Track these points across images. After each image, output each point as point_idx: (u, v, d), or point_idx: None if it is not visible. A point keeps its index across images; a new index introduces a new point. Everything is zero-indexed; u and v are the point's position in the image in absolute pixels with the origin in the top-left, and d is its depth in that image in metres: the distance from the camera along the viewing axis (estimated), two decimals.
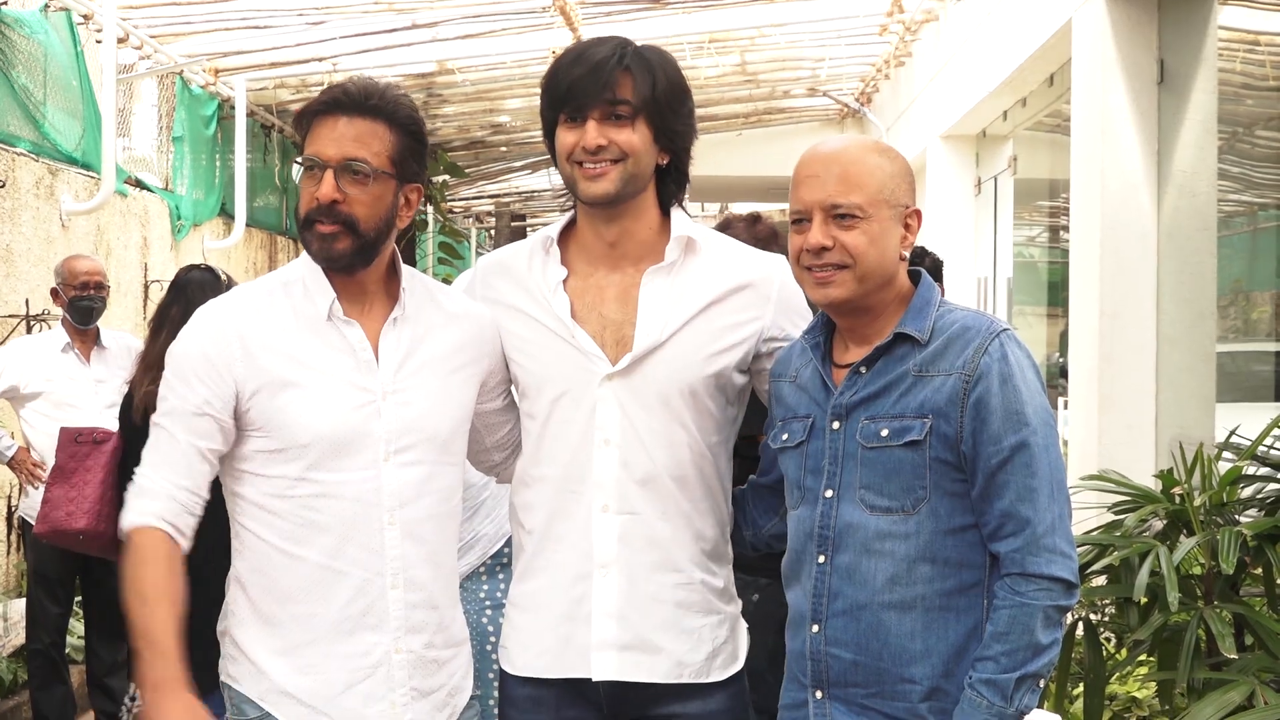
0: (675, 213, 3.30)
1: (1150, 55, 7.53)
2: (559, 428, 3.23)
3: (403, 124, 3.11)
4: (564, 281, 3.25)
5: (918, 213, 3.09)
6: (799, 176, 3.06)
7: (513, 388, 3.38)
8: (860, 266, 2.99)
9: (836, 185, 3.00)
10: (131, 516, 3.06)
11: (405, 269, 3.22)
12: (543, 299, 3.25)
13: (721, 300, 3.24)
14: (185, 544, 3.08)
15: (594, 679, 3.19)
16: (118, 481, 5.62)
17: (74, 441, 5.78)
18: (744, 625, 3.37)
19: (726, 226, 4.54)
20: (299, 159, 3.10)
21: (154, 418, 3.11)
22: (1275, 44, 7.82)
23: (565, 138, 3.19)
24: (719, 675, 3.26)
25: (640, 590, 3.19)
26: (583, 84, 3.14)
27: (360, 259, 3.09)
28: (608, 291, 3.25)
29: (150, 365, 5.63)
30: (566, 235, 3.33)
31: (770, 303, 3.25)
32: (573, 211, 3.34)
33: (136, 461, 5.59)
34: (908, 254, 3.07)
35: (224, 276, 5.82)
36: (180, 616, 3.06)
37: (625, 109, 3.14)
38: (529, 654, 3.27)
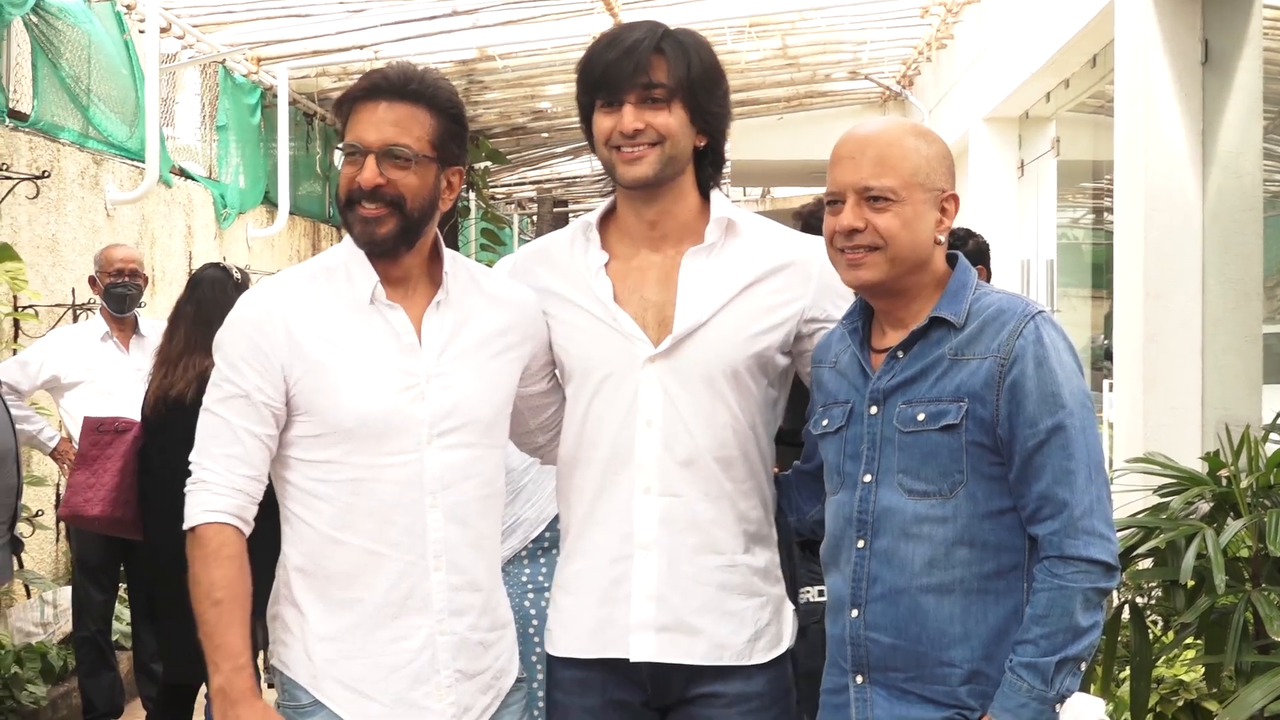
0: (714, 195, 3.31)
1: (1194, 35, 7.47)
2: (602, 411, 3.24)
3: (442, 108, 3.12)
4: (605, 266, 3.26)
5: (954, 197, 3.09)
6: (835, 157, 3.07)
7: (555, 371, 3.38)
8: (892, 249, 3.00)
9: (871, 168, 3.00)
10: (197, 512, 3.07)
11: (448, 252, 3.23)
12: (584, 284, 3.27)
13: (762, 280, 3.26)
14: (248, 531, 3.11)
15: (632, 659, 3.21)
16: (137, 469, 5.77)
17: (96, 430, 6.00)
18: (789, 606, 3.37)
19: (821, 207, 4.57)
20: (340, 145, 3.11)
21: (206, 404, 3.12)
22: None
23: (602, 123, 3.20)
24: (761, 658, 3.27)
25: (681, 572, 3.21)
26: (617, 68, 3.16)
27: (404, 240, 3.10)
28: (649, 274, 3.26)
29: (164, 360, 5.75)
30: (607, 220, 3.34)
31: (811, 282, 3.25)
32: (612, 197, 3.35)
33: (152, 453, 5.68)
34: (944, 238, 3.08)
35: (237, 273, 5.97)
36: (249, 617, 3.09)
37: (660, 92, 3.16)
38: (570, 635, 3.30)
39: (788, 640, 3.33)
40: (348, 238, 3.17)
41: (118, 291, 7.25)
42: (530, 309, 3.30)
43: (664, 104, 3.17)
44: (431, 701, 3.10)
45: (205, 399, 3.13)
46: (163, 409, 5.80)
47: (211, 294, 5.91)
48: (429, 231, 3.16)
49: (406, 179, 3.06)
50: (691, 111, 3.20)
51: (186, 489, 3.10)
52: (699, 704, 3.24)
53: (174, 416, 5.73)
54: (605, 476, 3.25)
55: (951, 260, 3.11)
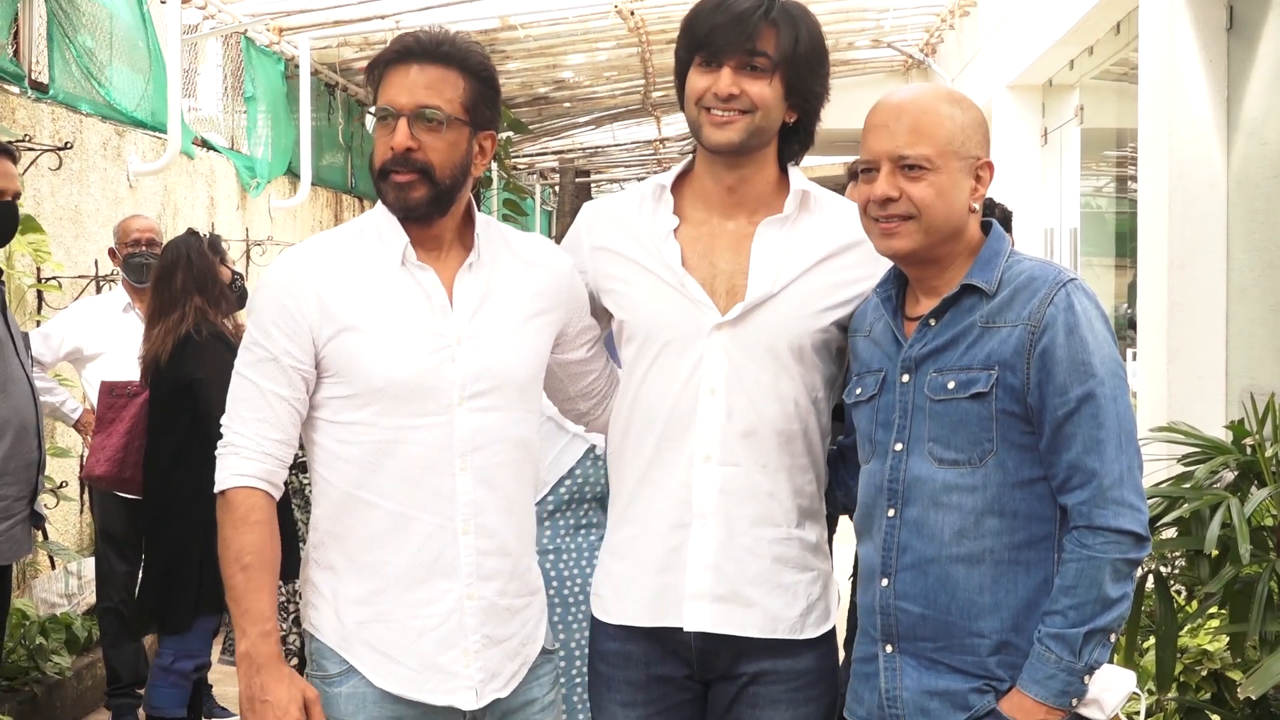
0: (791, 169, 3.30)
1: (1219, 1, 7.44)
2: (663, 375, 3.23)
3: (474, 70, 3.11)
4: (675, 230, 3.25)
5: (989, 164, 3.07)
6: (869, 125, 3.05)
7: (613, 331, 3.38)
8: (926, 218, 2.98)
9: (905, 136, 2.99)
10: (226, 477, 3.08)
11: (480, 215, 3.23)
12: (652, 246, 3.25)
13: (835, 256, 3.25)
14: (278, 496, 3.12)
15: (686, 629, 3.20)
16: (145, 432, 5.90)
17: (110, 394, 6.21)
18: (835, 584, 3.37)
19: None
20: (372, 109, 3.11)
21: (238, 368, 3.13)
22: None
23: (697, 81, 3.18)
24: (812, 632, 3.27)
25: (738, 543, 3.20)
26: (724, 31, 3.13)
27: (437, 207, 3.09)
28: (720, 240, 3.25)
29: (146, 330, 5.88)
30: (680, 183, 3.32)
31: (880, 262, 3.21)
32: (690, 158, 3.33)
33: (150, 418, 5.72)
34: (979, 206, 3.06)
35: (205, 235, 6.12)
36: (275, 583, 3.11)
37: (763, 61, 3.14)
38: (624, 602, 3.29)
39: (834, 616, 3.33)
40: (380, 202, 3.17)
41: (136, 261, 7.26)
42: (564, 274, 3.29)
43: (764, 74, 3.14)
44: (459, 667, 3.10)
45: (237, 362, 3.14)
46: (149, 374, 5.89)
47: (172, 256, 5.99)
48: (462, 196, 3.16)
49: (437, 142, 3.05)
50: (789, 86, 3.18)
51: (217, 452, 3.10)
52: (747, 681, 3.25)
53: (156, 379, 5.82)
54: (662, 442, 3.23)
55: (986, 228, 3.10)
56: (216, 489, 3.09)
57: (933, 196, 2.98)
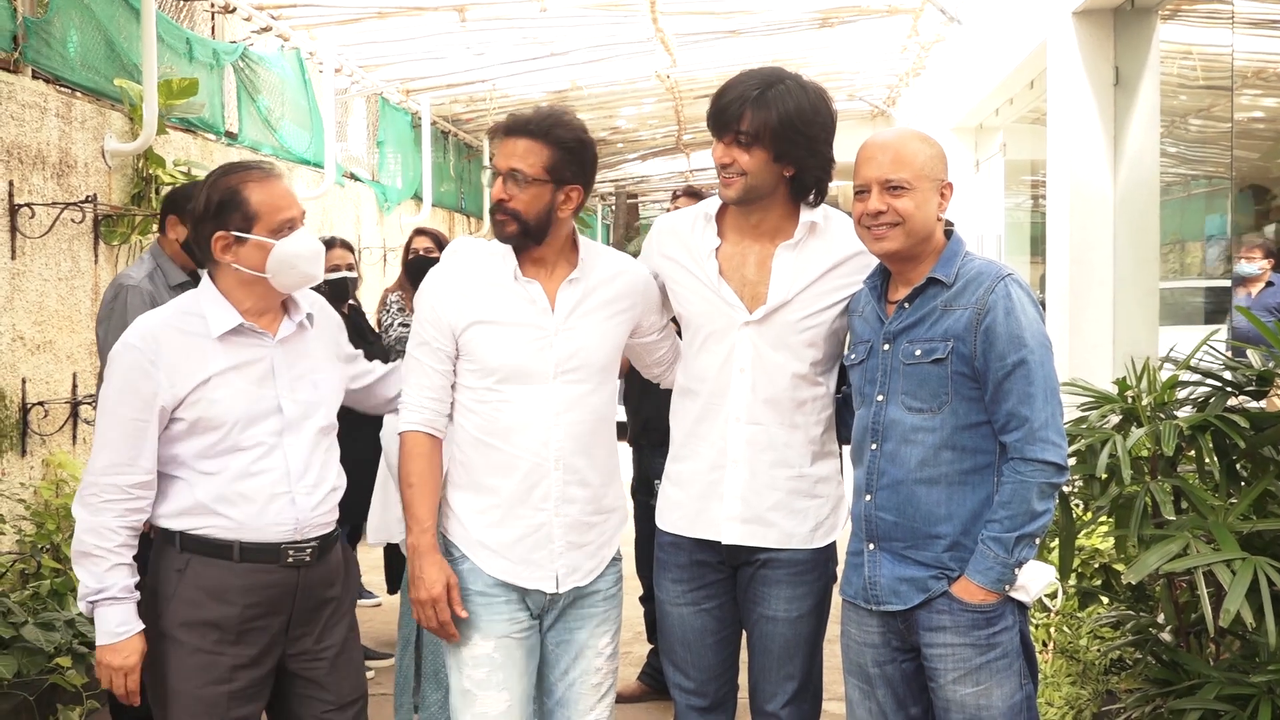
0: (803, 205, 3.28)
1: (1108, 63, 7.38)
2: (707, 356, 3.29)
3: (556, 141, 3.13)
4: (716, 250, 3.28)
5: (950, 185, 3.09)
6: (861, 158, 3.05)
7: (663, 326, 3.45)
8: (908, 225, 2.99)
9: (890, 165, 3.00)
10: (401, 424, 3.23)
11: (584, 240, 3.27)
12: (700, 260, 3.30)
13: (833, 269, 3.26)
14: (443, 433, 3.23)
15: (723, 542, 3.28)
16: None
17: None
18: (846, 503, 3.37)
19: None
20: (485, 166, 3.22)
21: (409, 349, 3.26)
22: (1204, 53, 7.66)
23: (714, 151, 3.23)
24: (820, 543, 3.32)
25: (759, 480, 3.25)
26: (718, 115, 3.18)
27: (527, 239, 3.16)
28: (749, 258, 3.28)
29: None
30: (722, 211, 3.34)
31: (864, 272, 3.24)
32: None
33: None
34: (944, 216, 3.07)
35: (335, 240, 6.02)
36: (438, 496, 3.21)
37: (744, 137, 3.14)
38: (676, 517, 3.37)
39: (840, 530, 3.36)
40: None
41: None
42: (641, 281, 3.34)
43: (745, 147, 3.14)
44: (547, 562, 3.19)
45: (409, 344, 3.26)
46: None
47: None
48: (557, 230, 3.19)
49: (521, 195, 3.12)
50: (775, 152, 3.14)
51: (398, 407, 3.26)
52: (760, 565, 3.31)
53: None
54: (707, 405, 3.29)
55: (948, 233, 3.11)
56: (398, 431, 3.23)
57: (912, 208, 2.99)
